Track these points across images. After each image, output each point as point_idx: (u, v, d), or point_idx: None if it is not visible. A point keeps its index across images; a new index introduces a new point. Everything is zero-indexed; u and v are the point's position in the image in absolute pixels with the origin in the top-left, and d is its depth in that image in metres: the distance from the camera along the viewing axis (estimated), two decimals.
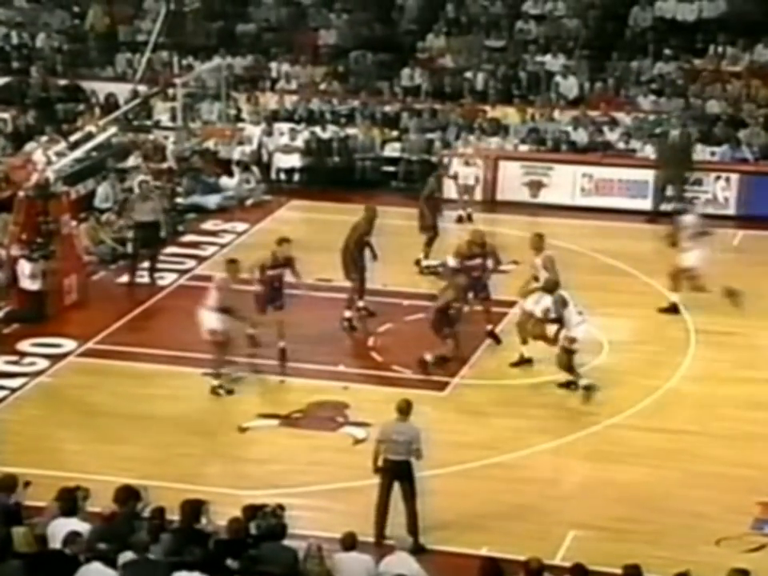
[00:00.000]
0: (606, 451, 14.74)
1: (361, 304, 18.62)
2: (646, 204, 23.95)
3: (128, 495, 11.54)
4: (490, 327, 17.74)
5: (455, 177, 23.92)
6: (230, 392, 16.29)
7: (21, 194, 19.36)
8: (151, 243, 20.37)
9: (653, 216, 23.21)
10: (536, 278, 17.34)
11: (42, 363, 17.21)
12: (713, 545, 12.80)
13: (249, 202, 24.61)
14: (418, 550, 12.16)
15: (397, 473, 12.89)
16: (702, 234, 18.84)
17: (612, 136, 25.58)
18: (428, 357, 16.68)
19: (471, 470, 14.38)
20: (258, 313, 17.18)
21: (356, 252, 18.54)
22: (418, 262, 20.72)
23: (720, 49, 27.30)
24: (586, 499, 13.69)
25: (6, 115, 26.94)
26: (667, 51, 27.49)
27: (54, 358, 17.38)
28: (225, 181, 25.09)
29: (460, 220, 23.30)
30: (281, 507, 11.50)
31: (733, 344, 17.60)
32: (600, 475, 14.18)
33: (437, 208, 21.37)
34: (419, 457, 12.87)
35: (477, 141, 25.12)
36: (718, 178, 23.99)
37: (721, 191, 23.95)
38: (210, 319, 16.31)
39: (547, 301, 16.37)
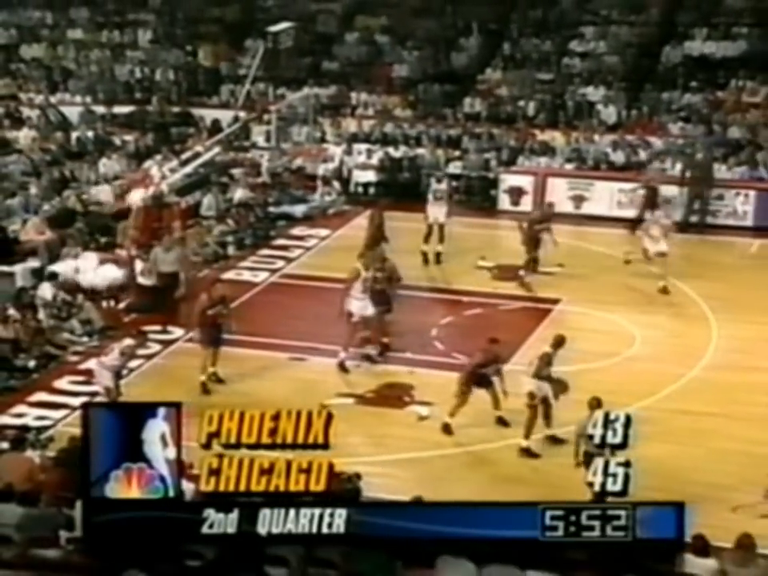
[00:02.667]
0: (638, 430, 14.44)
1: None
2: (676, 216, 23.55)
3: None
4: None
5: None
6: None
7: (140, 203, 19.49)
8: (168, 293, 18.13)
9: (683, 226, 22.88)
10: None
11: (156, 347, 17.28)
12: (730, 512, 12.58)
13: (330, 211, 24.58)
14: None
15: (613, 448, 12.23)
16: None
17: (645, 156, 25.26)
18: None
19: (516, 445, 14.13)
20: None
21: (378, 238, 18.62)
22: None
23: (740, 82, 26.89)
24: None
25: (129, 137, 27.15)
26: (694, 84, 27.13)
27: (166, 343, 17.46)
28: (310, 193, 25.11)
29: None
30: (357, 475, 11.43)
31: (750, 337, 17.27)
32: (630, 451, 13.90)
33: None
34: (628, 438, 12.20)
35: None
36: (738, 194, 23.58)
37: (740, 205, 23.55)
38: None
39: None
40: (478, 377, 14.65)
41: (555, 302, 18.57)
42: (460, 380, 14.75)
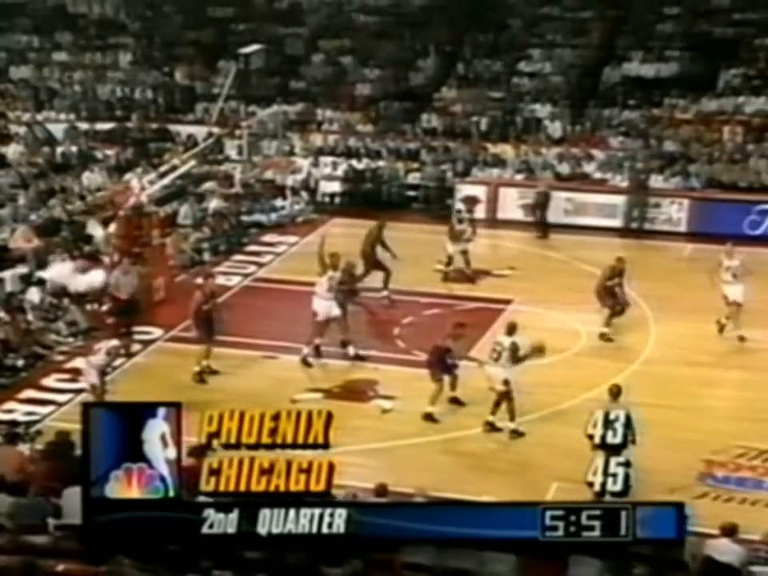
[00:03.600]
0: (584, 419, 14.46)
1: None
2: (616, 222, 23.78)
3: (201, 451, 11.39)
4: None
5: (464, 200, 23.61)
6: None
7: (121, 213, 19.35)
8: (128, 316, 17.48)
9: (623, 232, 23.13)
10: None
11: (137, 346, 17.15)
12: (667, 493, 12.59)
13: (299, 219, 24.49)
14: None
15: (613, 449, 12.41)
16: None
17: (589, 168, 25.39)
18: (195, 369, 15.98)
19: (478, 434, 14.26)
20: None
21: (371, 252, 18.53)
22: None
23: (673, 101, 27.04)
24: (567, 458, 13.47)
25: (110, 152, 26.91)
26: (632, 102, 27.26)
27: (146, 343, 17.34)
28: (279, 202, 25.00)
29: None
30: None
31: (685, 334, 17.38)
32: (579, 439, 13.94)
33: None
34: (633, 429, 12.29)
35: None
36: (673, 202, 23.76)
37: (675, 213, 23.73)
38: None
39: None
40: (444, 361, 14.66)
41: (507, 302, 18.59)
42: (431, 367, 14.73)
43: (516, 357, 14.18)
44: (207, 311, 15.90)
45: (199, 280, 17.18)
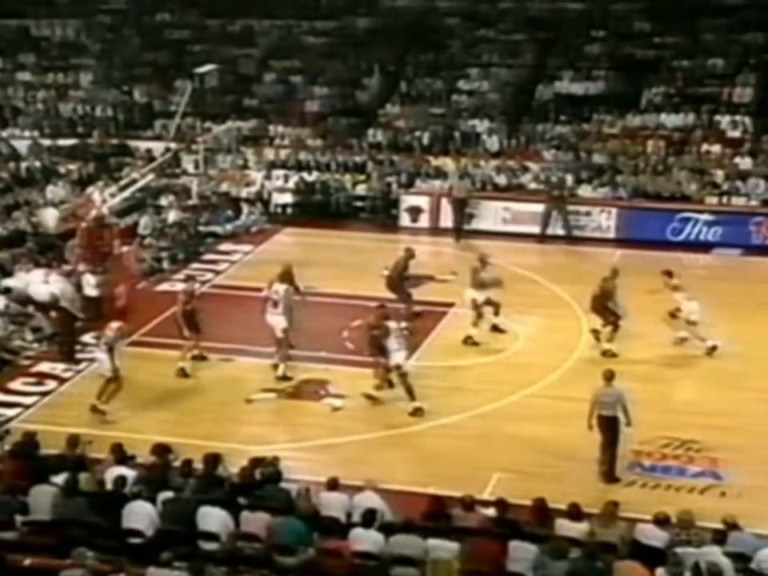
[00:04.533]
0: (522, 414, 14.66)
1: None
2: (549, 230, 23.91)
3: (163, 449, 11.40)
4: None
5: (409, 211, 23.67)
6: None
7: (83, 225, 19.15)
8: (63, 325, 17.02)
9: (541, 238, 23.35)
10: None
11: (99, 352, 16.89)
12: (600, 482, 12.77)
13: (253, 229, 24.37)
14: (612, 480, 12.63)
15: (607, 425, 12.71)
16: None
17: (524, 179, 25.56)
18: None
19: (420, 430, 14.27)
20: None
21: (402, 279, 18.05)
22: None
23: (601, 116, 27.29)
24: (507, 450, 13.60)
25: (73, 167, 26.59)
26: (563, 117, 27.49)
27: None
28: (234, 213, 24.86)
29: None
30: (276, 458, 11.38)
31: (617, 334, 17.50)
32: (518, 432, 14.09)
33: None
34: (627, 412, 12.67)
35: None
36: (602, 211, 23.98)
37: (604, 221, 23.94)
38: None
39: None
40: (375, 339, 14.80)
41: (450, 305, 18.64)
42: (367, 345, 15.07)
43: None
44: (190, 310, 16.03)
45: (180, 285, 16.94)
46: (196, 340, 16.21)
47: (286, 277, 16.65)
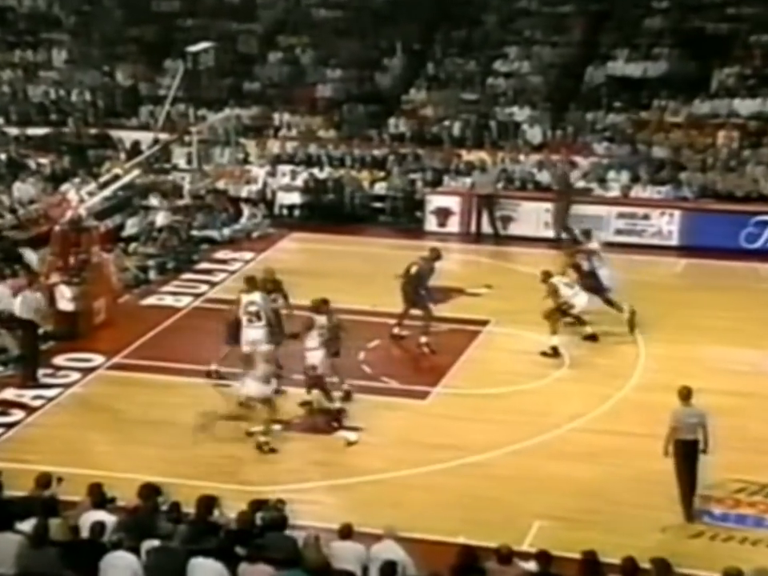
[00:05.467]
0: (566, 451, 14.71)
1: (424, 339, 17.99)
2: (601, 236, 23.81)
3: (150, 491, 11.47)
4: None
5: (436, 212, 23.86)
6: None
7: (57, 228, 19.34)
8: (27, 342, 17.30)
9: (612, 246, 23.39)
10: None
11: (75, 375, 17.13)
12: (659, 532, 12.78)
13: (255, 234, 24.56)
14: (690, 517, 12.76)
15: (689, 452, 12.86)
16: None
17: (571, 176, 25.57)
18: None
19: (449, 468, 14.32)
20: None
21: (414, 292, 18.05)
22: None
23: (663, 103, 27.34)
24: (550, 493, 13.64)
25: (44, 160, 26.85)
26: (617, 104, 27.56)
27: (85, 371, 17.30)
28: (233, 216, 25.05)
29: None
30: (281, 501, 11.47)
31: (677, 357, 17.56)
32: (562, 472, 14.15)
33: None
34: (706, 436, 12.89)
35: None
36: (663, 213, 24.04)
37: (665, 225, 23.98)
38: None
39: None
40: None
41: (484, 323, 18.75)
42: None
43: None
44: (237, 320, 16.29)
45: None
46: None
47: (268, 285, 16.88)
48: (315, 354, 15.50)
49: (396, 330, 18.34)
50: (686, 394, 13.18)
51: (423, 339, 17.94)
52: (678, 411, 13.10)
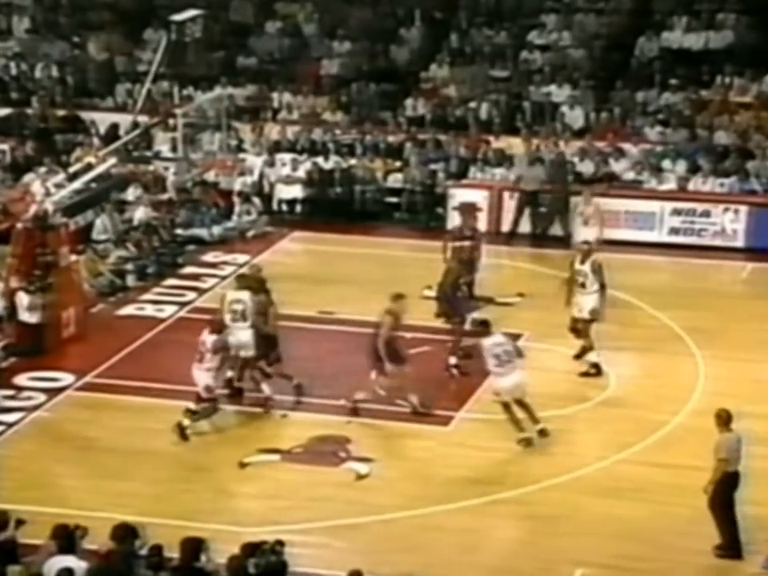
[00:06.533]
0: (613, 487, 14.72)
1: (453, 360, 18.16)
2: (653, 236, 24.03)
3: (126, 533, 11.52)
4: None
5: (461, 209, 23.83)
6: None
7: (19, 225, 19.41)
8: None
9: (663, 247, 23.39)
10: (583, 285, 17.90)
11: (40, 397, 17.18)
12: None
13: (250, 233, 24.64)
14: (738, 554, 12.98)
15: (736, 484, 13.03)
16: None
17: (618, 167, 25.64)
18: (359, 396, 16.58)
19: (476, 506, 14.33)
20: None
21: (452, 295, 18.32)
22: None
23: (727, 79, 27.37)
24: (593, 536, 13.65)
25: (4, 146, 27.01)
26: (674, 82, 27.58)
27: (52, 392, 17.35)
28: (224, 212, 25.12)
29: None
30: (280, 543, 11.47)
31: (740, 378, 17.57)
32: (607, 511, 14.15)
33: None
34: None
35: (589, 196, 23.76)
36: (727, 209, 24.02)
37: (729, 223, 23.96)
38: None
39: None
40: None
41: (516, 337, 18.74)
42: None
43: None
44: (396, 338, 16.46)
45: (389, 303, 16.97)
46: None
47: (253, 284, 17.11)
48: (245, 333, 16.33)
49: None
50: (726, 419, 13.25)
51: (452, 360, 18.03)
52: (726, 440, 13.14)
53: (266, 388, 16.87)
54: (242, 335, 16.59)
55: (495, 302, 20.24)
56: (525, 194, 24.44)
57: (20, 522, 11.81)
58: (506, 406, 15.70)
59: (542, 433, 15.74)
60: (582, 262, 18.05)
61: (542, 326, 19.03)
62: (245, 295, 16.78)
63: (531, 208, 24.44)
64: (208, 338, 16.28)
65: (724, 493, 13.07)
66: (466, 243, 19.67)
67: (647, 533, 13.60)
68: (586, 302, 17.85)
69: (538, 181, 24.63)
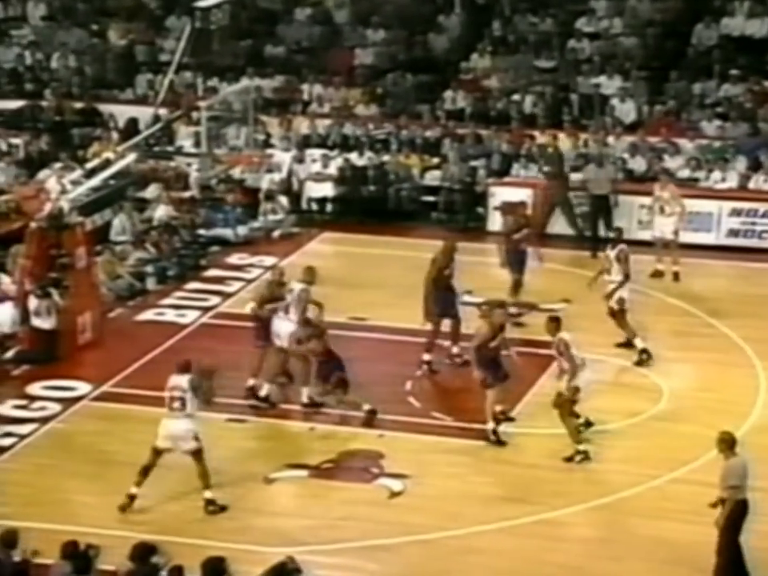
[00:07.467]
0: (664, 508, 14.66)
1: (427, 357, 18.45)
2: (710, 238, 23.93)
3: (146, 552, 11.59)
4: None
5: (502, 209, 23.84)
6: None
7: (33, 225, 19.53)
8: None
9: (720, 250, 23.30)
10: (607, 271, 18.80)
11: (54, 408, 17.31)
12: None
13: (276, 233, 24.71)
14: None
15: (746, 513, 12.95)
16: None
17: (673, 163, 25.56)
18: (489, 425, 16.41)
19: (515, 526, 14.33)
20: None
21: (435, 290, 18.46)
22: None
23: None
24: (642, 561, 13.62)
25: (18, 141, 27.18)
26: (734, 72, 27.46)
27: (66, 402, 17.48)
28: (250, 211, 25.21)
29: (656, 275, 22.26)
30: (294, 564, 11.45)
31: None
32: (658, 535, 14.09)
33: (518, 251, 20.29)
34: None
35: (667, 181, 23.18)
36: None
37: None
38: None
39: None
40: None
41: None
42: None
43: None
44: (495, 349, 16.44)
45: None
46: (497, 392, 16.37)
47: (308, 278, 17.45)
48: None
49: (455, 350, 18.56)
50: (730, 442, 13.12)
51: (426, 357, 18.41)
52: (736, 465, 13.00)
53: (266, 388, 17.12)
54: (280, 325, 17.09)
55: (538, 309, 20.22)
56: (594, 199, 24.11)
57: (35, 553, 11.83)
58: (573, 405, 15.80)
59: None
60: (612, 248, 18.86)
61: (589, 333, 18.97)
62: (298, 287, 17.18)
63: (603, 214, 23.99)
64: (297, 286, 17.01)
65: (737, 524, 12.91)
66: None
67: (701, 559, 13.41)
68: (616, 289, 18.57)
69: (608, 183, 24.27)
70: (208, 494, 14.64)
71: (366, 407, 16.75)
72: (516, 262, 20.03)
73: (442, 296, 18.50)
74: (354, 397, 16.87)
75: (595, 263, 21.58)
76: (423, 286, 18.54)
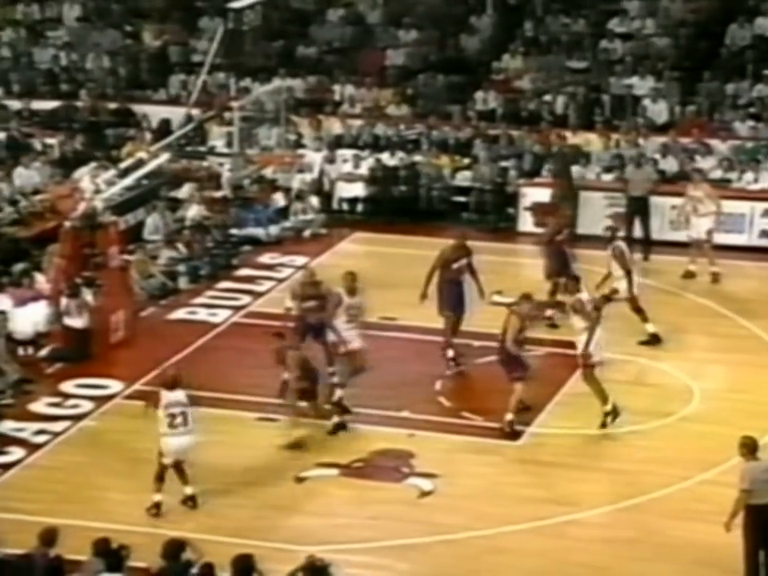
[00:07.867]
0: (695, 510, 14.60)
1: (450, 354, 18.46)
2: (742, 239, 23.84)
3: (178, 549, 11.64)
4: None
5: (533, 209, 23.78)
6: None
7: (67, 224, 19.63)
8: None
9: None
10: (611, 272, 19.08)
11: (86, 406, 17.39)
12: None
13: (307, 233, 24.73)
14: None
15: (766, 519, 12.78)
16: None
17: (705, 164, 25.45)
18: (509, 417, 16.44)
19: (545, 527, 14.31)
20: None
21: (443, 283, 18.46)
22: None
23: None
24: (672, 563, 13.58)
25: (52, 141, 27.25)
26: (767, 72, 27.37)
27: (99, 401, 17.54)
28: (282, 211, 25.24)
29: (688, 276, 22.19)
30: (322, 562, 11.44)
31: None
32: (688, 536, 14.05)
33: (561, 252, 20.05)
34: None
35: (700, 180, 23.01)
36: None
37: None
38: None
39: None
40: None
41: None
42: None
43: None
44: (522, 341, 16.63)
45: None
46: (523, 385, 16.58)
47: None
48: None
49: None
50: (752, 447, 13.04)
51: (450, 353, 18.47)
52: (751, 469, 12.92)
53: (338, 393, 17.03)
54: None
55: (563, 308, 20.15)
56: (632, 200, 23.84)
57: (122, 548, 11.90)
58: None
59: None
60: (606, 247, 19.30)
61: (619, 334, 18.93)
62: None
63: (641, 216, 23.73)
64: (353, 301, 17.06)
65: (753, 530, 12.76)
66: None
67: (731, 561, 13.35)
68: (618, 285, 18.96)
69: (648, 184, 23.98)
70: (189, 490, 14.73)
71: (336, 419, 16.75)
72: (561, 263, 19.75)
73: (452, 290, 18.47)
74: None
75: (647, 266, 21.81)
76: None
